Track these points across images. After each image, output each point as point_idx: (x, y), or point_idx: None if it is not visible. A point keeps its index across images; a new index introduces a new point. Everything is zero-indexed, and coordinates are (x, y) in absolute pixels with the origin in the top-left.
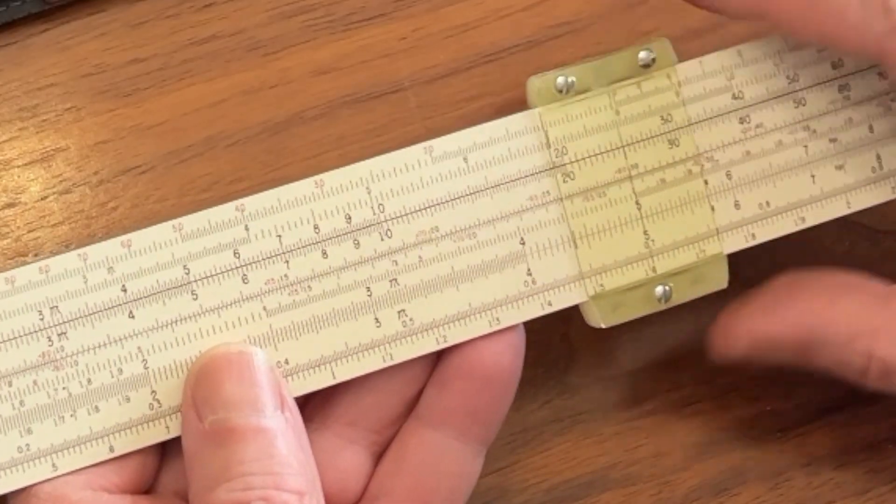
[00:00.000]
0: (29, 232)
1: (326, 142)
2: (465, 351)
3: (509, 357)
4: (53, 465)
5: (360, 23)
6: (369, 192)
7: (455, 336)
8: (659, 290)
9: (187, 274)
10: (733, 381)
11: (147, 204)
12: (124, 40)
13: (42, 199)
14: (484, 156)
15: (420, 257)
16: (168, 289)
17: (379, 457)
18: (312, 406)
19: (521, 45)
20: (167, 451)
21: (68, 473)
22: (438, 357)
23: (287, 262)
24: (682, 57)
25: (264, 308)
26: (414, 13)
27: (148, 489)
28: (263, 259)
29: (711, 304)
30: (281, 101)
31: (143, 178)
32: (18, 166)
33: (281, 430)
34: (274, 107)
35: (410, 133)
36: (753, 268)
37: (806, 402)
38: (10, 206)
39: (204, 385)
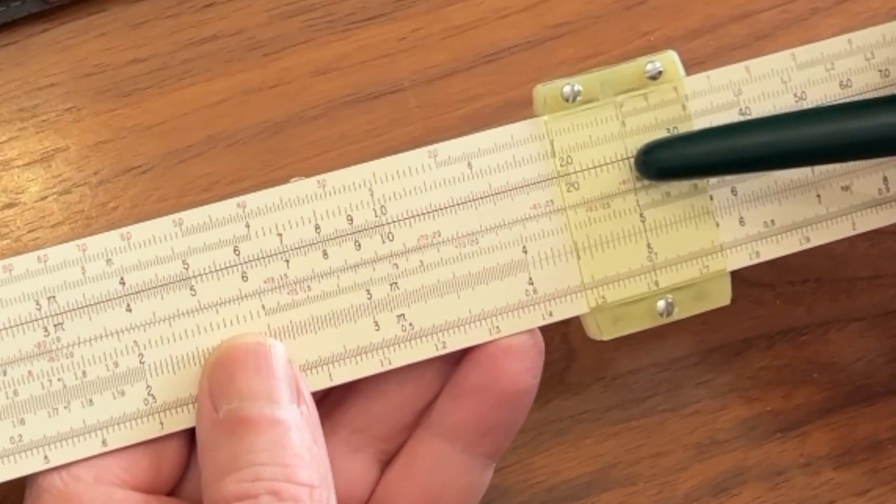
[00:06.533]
0: (29, 232)
1: (326, 142)
2: (485, 367)
3: (528, 378)
4: (45, 457)
5: (360, 23)
6: (372, 194)
7: (454, 343)
8: (661, 304)
9: (186, 269)
10: (733, 381)
11: (147, 204)
12: (124, 40)
13: (42, 199)
14: (488, 162)
15: (421, 262)
16: (166, 283)
17: (385, 465)
18: (321, 411)
19: (521, 45)
20: (195, 458)
21: (71, 465)
22: (455, 369)
23: (287, 261)
24: (682, 57)
25: (263, 307)
26: (414, 13)
27: (169, 493)
28: (263, 257)
29: None
30: (281, 101)
31: (143, 178)
32: (18, 166)
33: (295, 422)
34: (274, 107)
35: (410, 133)
36: (754, 267)
37: (806, 402)
38: (10, 206)
39: (220, 375)
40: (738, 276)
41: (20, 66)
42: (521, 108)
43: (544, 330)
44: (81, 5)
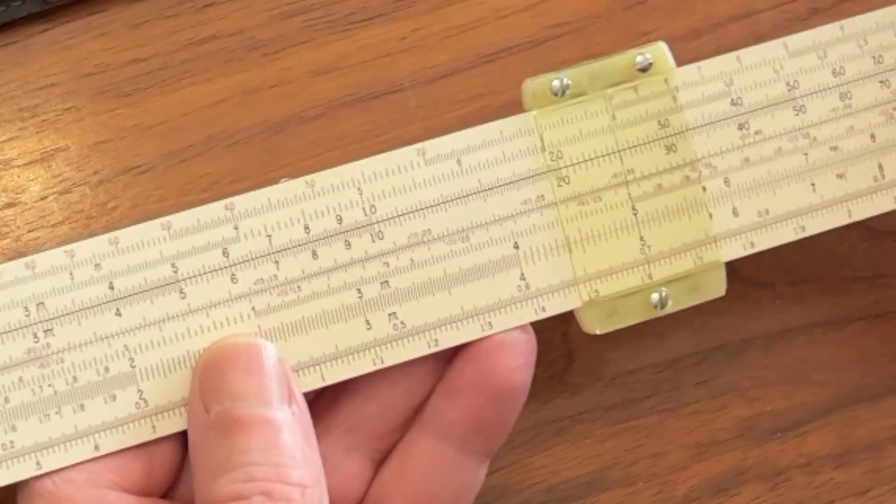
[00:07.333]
0: (29, 232)
1: (326, 142)
2: (478, 363)
3: (522, 375)
4: (38, 463)
5: (360, 23)
6: (361, 193)
7: (447, 340)
8: (655, 296)
9: (175, 272)
10: (733, 381)
11: (147, 204)
12: (124, 40)
13: (42, 198)
14: (478, 158)
15: (412, 260)
16: (156, 287)
17: (379, 464)
18: (314, 411)
19: (521, 45)
20: (187, 461)
21: (65, 469)
22: (448, 366)
23: (277, 262)
24: (682, 57)
25: (253, 308)
26: (414, 13)
27: (162, 495)
28: (253, 259)
29: (711, 303)
30: (281, 101)
31: (143, 178)
32: (18, 166)
33: (287, 422)
34: (274, 107)
35: (410, 133)
36: (754, 267)
37: (806, 402)
38: (10, 205)
39: (211, 375)
40: (738, 276)
41: (20, 66)
42: (520, 108)
43: (544, 330)
44: (81, 5)
